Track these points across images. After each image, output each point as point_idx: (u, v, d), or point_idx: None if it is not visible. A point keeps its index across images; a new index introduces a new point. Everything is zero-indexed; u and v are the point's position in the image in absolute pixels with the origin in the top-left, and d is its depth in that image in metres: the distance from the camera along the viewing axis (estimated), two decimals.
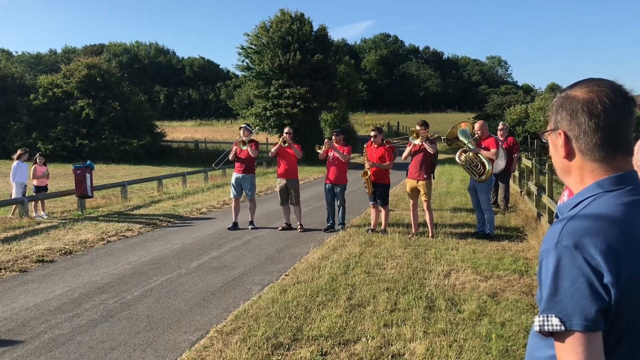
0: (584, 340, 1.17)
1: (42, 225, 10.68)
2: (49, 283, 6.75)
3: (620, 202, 1.27)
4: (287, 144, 10.04)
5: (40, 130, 32.99)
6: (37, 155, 13.09)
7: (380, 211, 9.54)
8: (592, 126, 1.31)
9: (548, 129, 1.43)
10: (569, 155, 1.37)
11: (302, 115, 31.17)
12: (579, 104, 1.33)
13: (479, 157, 8.74)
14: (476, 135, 9.05)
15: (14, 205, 12.19)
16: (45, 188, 12.99)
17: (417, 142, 8.91)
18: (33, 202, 12.12)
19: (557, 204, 7.83)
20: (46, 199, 12.83)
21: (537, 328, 1.22)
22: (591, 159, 1.33)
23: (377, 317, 5.15)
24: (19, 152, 12.67)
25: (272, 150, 10.31)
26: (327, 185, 10.03)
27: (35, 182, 12.79)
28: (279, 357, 4.32)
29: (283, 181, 10.14)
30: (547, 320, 1.20)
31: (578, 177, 1.37)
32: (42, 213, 12.00)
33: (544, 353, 1.31)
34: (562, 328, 1.18)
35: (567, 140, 1.36)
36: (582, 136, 1.32)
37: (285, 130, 10.30)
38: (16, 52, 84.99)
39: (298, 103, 31.12)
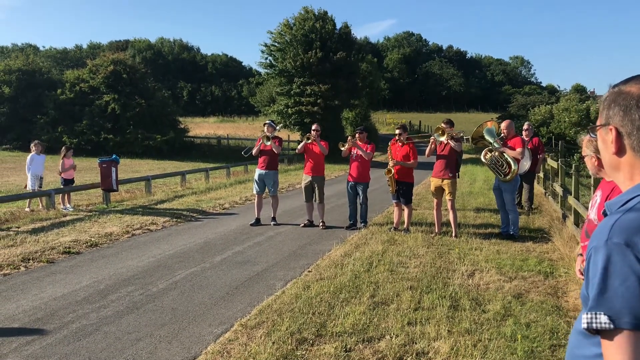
0: (633, 339, 1.15)
1: (68, 218, 10.85)
2: (75, 274, 6.86)
3: None
4: (310, 141, 10.05)
5: (66, 124, 33.49)
6: (65, 149, 13.19)
7: (403, 210, 9.49)
8: None
9: (598, 123, 1.41)
10: (620, 151, 1.34)
11: (324, 113, 31.16)
12: (634, 100, 1.30)
13: (504, 156, 8.66)
14: (502, 135, 8.96)
15: (29, 200, 12.38)
16: (72, 181, 13.20)
17: (443, 139, 8.85)
18: (61, 195, 12.33)
19: (584, 206, 7.73)
20: (72, 192, 13.03)
21: (584, 325, 1.21)
22: None
23: (400, 315, 5.14)
24: (34, 143, 12.87)
25: (299, 147, 10.33)
26: (349, 183, 10.02)
27: (63, 175, 12.99)
28: (303, 352, 4.34)
29: (309, 178, 10.15)
30: (596, 318, 1.18)
31: (628, 174, 1.34)
32: (69, 206, 12.19)
33: (587, 351, 1.30)
34: (611, 326, 1.16)
35: (619, 136, 1.33)
36: (635, 133, 1.30)
37: (313, 127, 10.30)
38: (43, 46, 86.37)
39: (319, 101, 31.13)
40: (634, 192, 1.30)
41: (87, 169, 21.41)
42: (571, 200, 8.81)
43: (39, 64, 39.34)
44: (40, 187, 12.66)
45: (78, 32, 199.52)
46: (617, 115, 1.34)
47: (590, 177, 9.08)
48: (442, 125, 8.96)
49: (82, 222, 10.43)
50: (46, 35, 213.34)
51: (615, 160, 1.36)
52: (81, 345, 4.59)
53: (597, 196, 3.57)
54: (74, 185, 13.38)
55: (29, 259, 7.47)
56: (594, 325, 1.19)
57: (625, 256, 1.17)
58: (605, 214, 1.36)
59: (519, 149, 8.70)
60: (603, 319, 1.17)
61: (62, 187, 12.84)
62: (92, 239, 8.82)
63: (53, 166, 14.48)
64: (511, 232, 8.88)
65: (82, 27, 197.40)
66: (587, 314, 1.21)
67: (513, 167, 8.57)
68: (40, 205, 12.38)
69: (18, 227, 9.77)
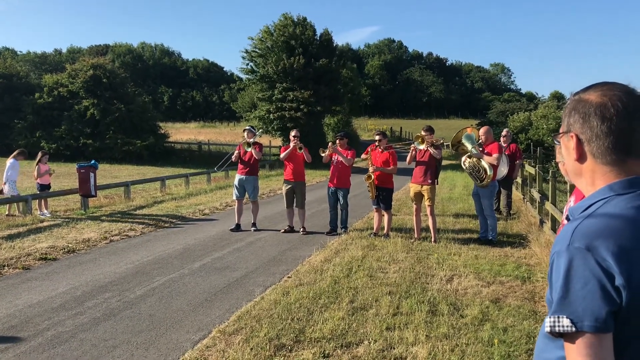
0: (594, 342, 1.17)
1: (45, 224, 10.71)
2: (52, 281, 6.77)
3: (632, 205, 1.27)
4: (302, 150, 10.02)
5: (44, 129, 33.03)
6: (41, 153, 13.02)
7: (383, 215, 9.54)
8: (604, 130, 1.31)
9: (561, 131, 1.44)
10: (581, 158, 1.37)
11: (306, 119, 31.20)
12: (592, 108, 1.34)
13: (482, 162, 8.77)
14: (480, 141, 9.07)
15: (8, 205, 12.18)
16: (48, 186, 13.01)
17: (422, 147, 8.92)
18: (38, 200, 12.15)
19: (561, 211, 7.84)
20: (49, 198, 12.85)
21: (547, 329, 1.23)
22: (603, 162, 1.33)
23: (379, 320, 5.16)
24: (18, 150, 12.74)
25: (283, 155, 10.24)
26: (330, 189, 10.04)
27: (39, 181, 12.81)
28: (282, 359, 4.33)
29: (290, 183, 10.15)
30: (558, 321, 1.21)
31: (589, 179, 1.37)
32: (46, 211, 12.02)
33: (552, 355, 1.32)
34: (573, 329, 1.19)
35: (579, 143, 1.37)
36: (594, 139, 1.33)
37: (292, 133, 10.27)
38: (21, 51, 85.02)
39: (302, 107, 31.17)
40: (594, 198, 1.33)
41: (66, 174, 21.13)
42: (548, 206, 8.92)
43: (17, 68, 38.78)
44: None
45: (58, 37, 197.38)
46: (577, 123, 1.37)
47: (567, 183, 9.22)
48: (422, 132, 9.03)
49: (60, 228, 10.29)
50: (25, 40, 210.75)
51: (577, 166, 1.40)
52: (56, 353, 4.52)
53: (571, 201, 3.62)
54: (51, 190, 13.20)
55: (4, 266, 7.35)
56: (557, 328, 1.21)
57: (586, 260, 1.20)
58: (568, 219, 1.39)
59: (495, 155, 8.81)
60: (565, 322, 1.20)
61: (38, 192, 12.65)
62: (70, 245, 8.71)
63: (29, 171, 14.26)
64: (490, 238, 8.98)
65: (62, 31, 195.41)
66: (550, 317, 1.23)
67: (489, 172, 8.68)
68: (17, 211, 12.20)
69: None
